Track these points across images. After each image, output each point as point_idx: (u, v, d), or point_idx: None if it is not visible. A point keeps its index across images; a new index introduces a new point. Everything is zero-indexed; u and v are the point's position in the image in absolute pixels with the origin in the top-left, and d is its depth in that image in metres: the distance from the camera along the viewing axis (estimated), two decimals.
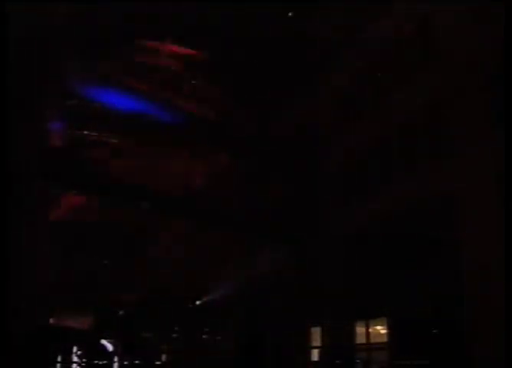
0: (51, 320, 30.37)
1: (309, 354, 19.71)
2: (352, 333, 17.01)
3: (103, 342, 30.37)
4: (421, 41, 15.68)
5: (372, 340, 16.18)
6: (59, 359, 27.66)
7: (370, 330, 16.41)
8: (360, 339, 16.71)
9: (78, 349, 29.29)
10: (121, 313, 31.73)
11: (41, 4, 14.26)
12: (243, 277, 24.35)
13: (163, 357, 28.62)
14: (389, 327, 15.39)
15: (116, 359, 30.22)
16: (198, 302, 25.77)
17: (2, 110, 8.73)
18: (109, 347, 30.42)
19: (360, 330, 16.80)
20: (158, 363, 28.20)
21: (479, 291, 11.60)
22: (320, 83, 20.94)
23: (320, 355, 19.02)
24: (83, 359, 28.40)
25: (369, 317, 16.50)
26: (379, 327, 16.29)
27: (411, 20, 16.02)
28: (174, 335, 27.83)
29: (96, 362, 29.03)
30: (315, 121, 21.44)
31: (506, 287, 5.69)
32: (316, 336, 19.37)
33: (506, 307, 5.73)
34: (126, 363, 29.26)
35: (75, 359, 29.09)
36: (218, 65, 21.06)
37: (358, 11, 17.98)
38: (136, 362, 28.51)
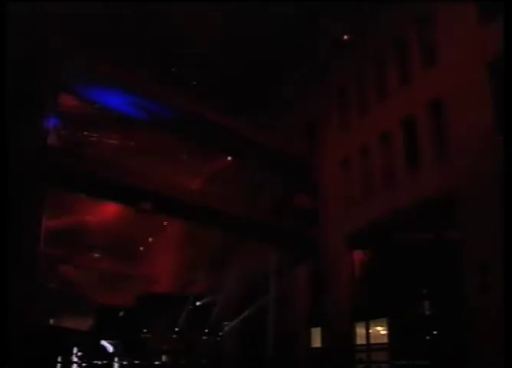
0: (52, 321, 30.35)
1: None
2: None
3: (103, 342, 30.33)
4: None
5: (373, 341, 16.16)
6: (59, 359, 27.63)
7: (370, 330, 16.37)
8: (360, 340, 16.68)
9: (78, 350, 29.24)
10: (121, 313, 31.68)
11: (41, 3, 14.26)
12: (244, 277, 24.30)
13: (163, 357, 28.58)
14: (389, 328, 15.35)
15: (116, 359, 30.17)
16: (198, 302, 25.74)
17: (2, 110, 8.72)
18: (110, 348, 30.38)
19: (360, 331, 16.76)
20: (158, 362, 28.16)
21: (479, 291, 11.59)
22: None
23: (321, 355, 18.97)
24: (84, 360, 28.37)
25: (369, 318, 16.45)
26: (379, 328, 16.24)
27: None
28: (174, 335, 27.78)
29: (96, 362, 29.00)
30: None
31: (506, 287, 5.67)
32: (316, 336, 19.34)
33: (506, 306, 5.72)
34: (126, 363, 29.22)
35: (75, 359, 29.06)
36: None
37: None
38: (136, 362, 28.45)
